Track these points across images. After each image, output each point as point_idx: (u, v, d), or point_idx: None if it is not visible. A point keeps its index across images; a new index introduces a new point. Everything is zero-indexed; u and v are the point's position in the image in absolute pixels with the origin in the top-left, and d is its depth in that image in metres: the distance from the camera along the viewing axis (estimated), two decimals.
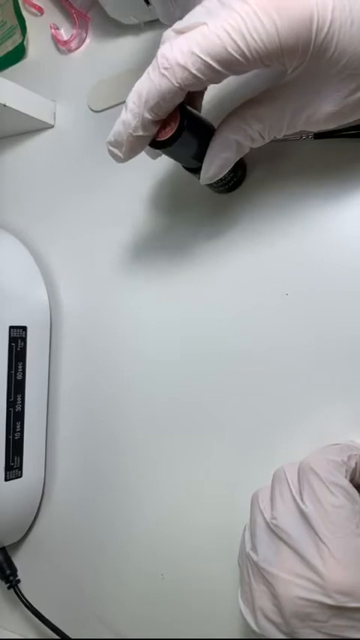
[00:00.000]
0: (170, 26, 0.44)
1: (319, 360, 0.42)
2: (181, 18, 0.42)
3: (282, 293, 0.44)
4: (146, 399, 0.51)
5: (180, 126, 0.36)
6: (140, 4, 0.49)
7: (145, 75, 0.34)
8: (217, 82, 0.34)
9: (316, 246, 0.43)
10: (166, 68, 0.32)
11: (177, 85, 0.33)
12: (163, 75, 0.33)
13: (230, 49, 0.31)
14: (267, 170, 0.46)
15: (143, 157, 0.41)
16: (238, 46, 0.31)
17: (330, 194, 0.43)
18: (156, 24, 0.53)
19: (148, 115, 0.35)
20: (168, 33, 0.35)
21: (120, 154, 0.38)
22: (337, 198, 0.43)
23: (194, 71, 0.32)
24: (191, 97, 0.40)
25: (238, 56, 0.31)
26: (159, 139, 0.37)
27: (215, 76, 0.32)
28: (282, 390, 0.44)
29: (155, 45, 0.53)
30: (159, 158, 0.43)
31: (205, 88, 0.41)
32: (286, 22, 0.30)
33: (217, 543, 0.46)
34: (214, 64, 0.31)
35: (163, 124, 0.36)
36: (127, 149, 0.38)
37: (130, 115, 0.35)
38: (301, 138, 0.42)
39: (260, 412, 0.45)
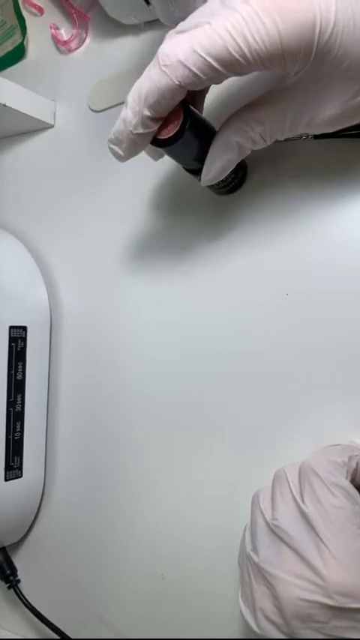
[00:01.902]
0: (170, 26, 0.44)
1: (319, 360, 0.42)
2: (180, 18, 0.43)
3: (282, 293, 0.44)
4: (146, 399, 0.51)
5: (183, 124, 0.36)
6: (140, 4, 0.49)
7: (145, 72, 0.34)
8: (218, 82, 0.33)
9: (318, 247, 0.43)
10: (166, 65, 0.32)
11: (177, 82, 0.32)
12: (164, 72, 0.32)
13: (232, 50, 0.31)
14: (268, 171, 0.46)
15: (144, 158, 0.41)
16: (240, 46, 0.30)
17: (331, 194, 0.43)
18: (156, 24, 0.53)
19: (147, 113, 0.35)
20: (171, 35, 0.35)
21: (121, 152, 0.38)
22: (338, 199, 0.43)
23: (194, 69, 0.32)
24: (193, 97, 0.39)
25: (238, 57, 0.31)
26: (161, 137, 0.37)
27: (215, 75, 0.32)
28: (282, 390, 0.44)
29: (155, 45, 0.53)
30: (160, 159, 0.43)
31: (207, 90, 0.41)
32: (288, 24, 0.30)
33: (217, 543, 0.46)
34: (215, 64, 0.31)
35: (165, 122, 0.36)
36: (128, 147, 0.37)
37: (131, 112, 0.35)
38: (300, 138, 0.42)
39: (260, 412, 0.45)
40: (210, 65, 0.31)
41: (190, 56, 0.32)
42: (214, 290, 0.48)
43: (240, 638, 0.44)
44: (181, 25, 0.34)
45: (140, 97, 0.34)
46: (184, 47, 0.32)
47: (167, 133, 0.37)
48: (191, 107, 0.37)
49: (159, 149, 0.39)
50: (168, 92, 0.33)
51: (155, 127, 0.36)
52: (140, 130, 0.36)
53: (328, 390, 0.42)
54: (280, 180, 0.45)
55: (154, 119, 0.35)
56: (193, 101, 0.39)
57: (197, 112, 0.39)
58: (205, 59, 0.31)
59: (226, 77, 0.33)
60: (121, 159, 0.39)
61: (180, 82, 0.32)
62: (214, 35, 0.31)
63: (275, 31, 0.30)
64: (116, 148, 0.38)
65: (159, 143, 0.37)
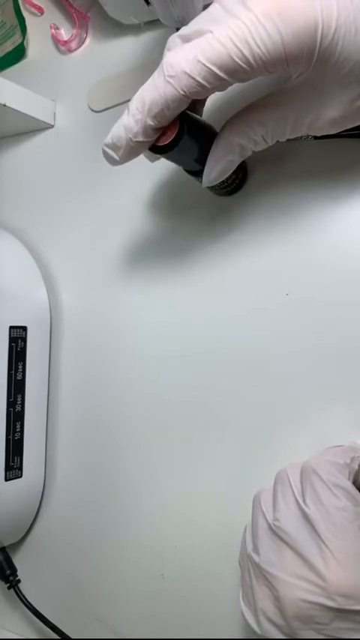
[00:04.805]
0: (170, 26, 0.44)
1: (320, 360, 0.43)
2: (180, 17, 0.43)
3: (283, 293, 0.44)
4: (146, 399, 0.51)
5: (180, 131, 0.36)
6: (140, 4, 0.49)
7: (149, 81, 0.34)
8: (222, 89, 0.34)
9: (318, 247, 0.43)
10: (171, 76, 0.32)
11: (182, 92, 0.33)
12: (168, 82, 0.33)
13: (235, 57, 0.31)
14: (268, 172, 0.46)
15: (144, 159, 0.41)
16: (243, 54, 0.31)
17: (332, 195, 0.43)
18: (156, 24, 0.53)
19: (150, 122, 0.35)
20: (173, 39, 0.35)
21: (116, 157, 0.38)
22: (339, 199, 0.43)
23: (199, 79, 0.32)
24: (193, 102, 0.39)
25: (242, 64, 0.31)
26: (159, 145, 0.37)
27: (220, 83, 0.33)
28: (283, 391, 0.44)
29: (155, 45, 0.53)
30: (157, 160, 0.43)
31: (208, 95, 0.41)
32: (290, 29, 0.30)
33: (217, 543, 0.46)
34: (219, 72, 0.32)
35: (163, 129, 0.36)
36: (125, 153, 0.37)
37: (133, 120, 0.35)
38: (301, 138, 0.42)
39: (261, 413, 0.45)
40: (214, 74, 0.32)
41: (194, 66, 0.32)
42: (214, 290, 0.48)
43: (240, 638, 0.44)
44: (182, 30, 0.34)
45: (144, 106, 0.34)
46: (188, 57, 0.32)
47: (165, 140, 0.37)
48: (188, 112, 0.37)
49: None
50: (173, 102, 0.33)
51: (156, 136, 0.36)
52: (140, 139, 0.36)
53: (330, 391, 0.42)
54: (280, 180, 0.45)
55: (156, 129, 0.36)
56: (193, 106, 0.39)
57: (195, 116, 0.39)
58: (209, 68, 0.32)
59: (230, 85, 0.33)
60: (116, 163, 0.39)
61: (185, 92, 0.33)
62: (216, 44, 0.31)
63: (278, 37, 0.30)
64: (111, 152, 0.38)
65: (157, 150, 0.37)
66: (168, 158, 0.40)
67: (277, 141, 0.38)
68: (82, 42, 0.59)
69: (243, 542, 0.39)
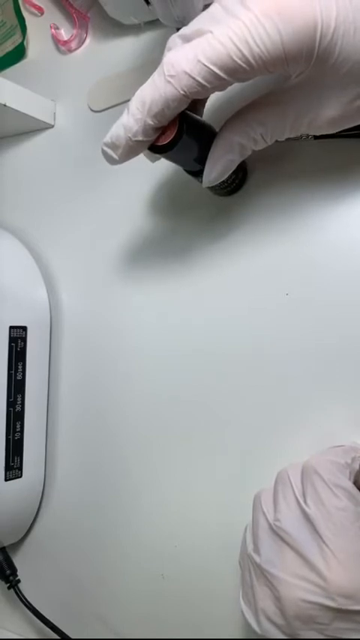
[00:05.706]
0: (170, 26, 0.44)
1: (321, 360, 0.43)
2: (180, 18, 0.43)
3: (283, 294, 0.44)
4: (147, 399, 0.51)
5: (179, 131, 0.36)
6: (140, 4, 0.49)
7: (149, 81, 0.34)
8: (222, 89, 0.34)
9: (318, 247, 0.43)
10: (172, 76, 0.33)
11: (182, 92, 0.33)
12: (169, 82, 0.33)
13: (235, 57, 0.31)
14: (268, 172, 0.46)
15: (144, 159, 0.41)
16: (243, 54, 0.31)
17: (331, 195, 0.43)
18: (156, 24, 0.53)
19: (150, 122, 0.35)
20: (174, 39, 0.35)
21: (115, 157, 0.38)
22: (338, 199, 0.43)
23: (200, 79, 0.32)
24: (194, 102, 0.39)
25: (242, 64, 0.31)
26: (158, 144, 0.37)
27: (220, 83, 0.33)
28: (283, 391, 0.44)
29: (155, 45, 0.53)
30: (157, 161, 0.43)
31: (209, 95, 0.41)
32: (289, 29, 0.30)
33: (218, 543, 0.46)
34: (219, 72, 0.32)
35: (163, 129, 0.36)
36: (124, 152, 0.37)
37: (132, 119, 0.35)
38: (301, 138, 0.42)
39: (262, 413, 0.45)
40: (215, 74, 0.32)
41: (194, 66, 0.32)
42: (214, 289, 0.48)
43: (240, 638, 0.44)
44: (183, 30, 0.34)
45: (144, 106, 0.34)
46: (189, 57, 0.32)
47: (164, 140, 0.37)
48: (188, 112, 0.37)
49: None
50: (173, 102, 0.34)
51: (155, 135, 0.37)
52: (140, 138, 0.36)
53: (330, 391, 0.42)
54: (280, 180, 0.45)
55: (155, 128, 0.36)
56: (193, 106, 0.39)
57: (195, 115, 0.39)
58: (209, 68, 0.32)
59: (230, 84, 0.33)
60: (115, 162, 0.39)
61: (185, 91, 0.33)
62: (217, 44, 0.31)
63: (277, 36, 0.30)
64: (110, 152, 0.38)
65: (157, 150, 0.37)
66: (168, 158, 0.39)
67: (277, 140, 0.38)
68: (82, 42, 0.59)
69: (243, 542, 0.39)
